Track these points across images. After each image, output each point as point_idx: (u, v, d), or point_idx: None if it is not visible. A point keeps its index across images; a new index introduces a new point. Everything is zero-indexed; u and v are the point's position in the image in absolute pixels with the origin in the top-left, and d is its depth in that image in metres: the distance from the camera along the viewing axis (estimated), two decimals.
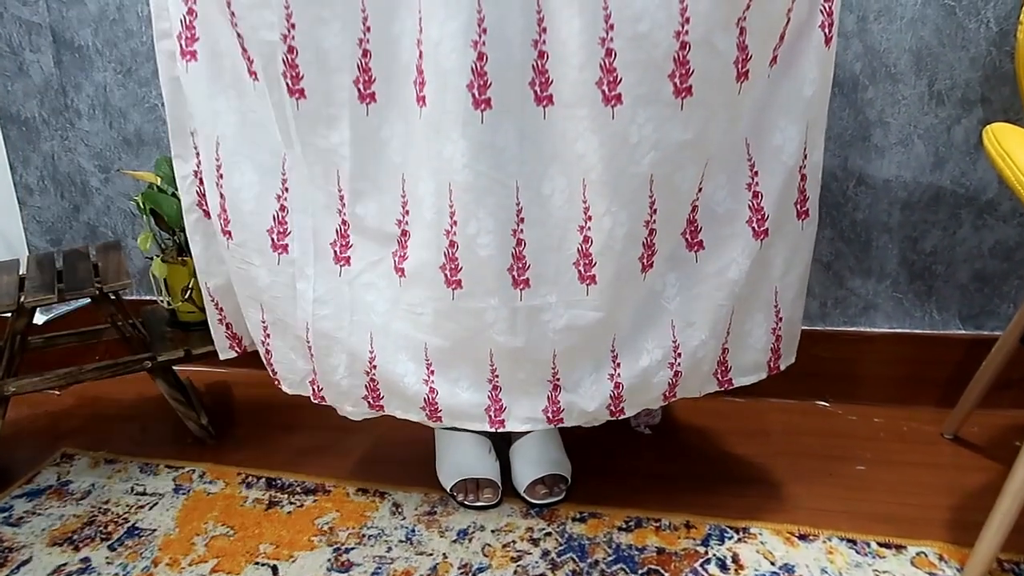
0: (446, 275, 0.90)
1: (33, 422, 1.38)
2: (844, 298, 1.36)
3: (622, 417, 1.01)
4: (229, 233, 0.99)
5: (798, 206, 0.96)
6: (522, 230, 0.88)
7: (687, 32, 0.79)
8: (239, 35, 0.89)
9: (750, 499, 1.12)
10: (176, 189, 1.26)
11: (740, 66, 0.84)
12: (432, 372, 0.98)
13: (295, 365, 1.05)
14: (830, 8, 0.88)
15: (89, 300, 1.16)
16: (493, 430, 1.01)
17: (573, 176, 0.86)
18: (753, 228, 0.93)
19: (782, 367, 1.06)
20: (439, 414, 1.00)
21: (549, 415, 0.99)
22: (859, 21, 1.22)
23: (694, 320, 0.97)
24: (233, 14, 0.87)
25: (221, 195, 0.97)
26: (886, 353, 1.36)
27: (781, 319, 1.01)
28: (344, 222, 0.95)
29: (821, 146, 0.95)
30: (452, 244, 0.89)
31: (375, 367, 0.99)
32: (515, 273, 0.89)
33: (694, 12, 0.78)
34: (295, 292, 0.99)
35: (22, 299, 1.11)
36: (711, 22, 0.79)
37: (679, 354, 0.97)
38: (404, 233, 0.93)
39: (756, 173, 0.92)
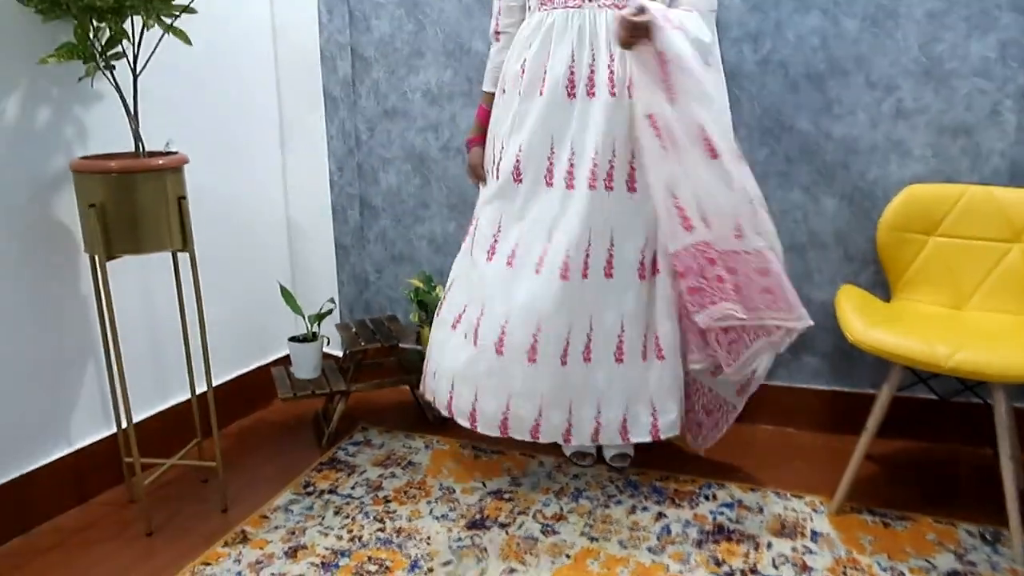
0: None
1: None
2: (799, 368, 2.32)
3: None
4: None
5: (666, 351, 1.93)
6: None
7: None
8: None
9: (729, 473, 2.09)
10: (434, 288, 2.39)
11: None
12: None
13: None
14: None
15: (393, 345, 2.30)
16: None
17: None
18: (650, 357, 1.92)
19: (662, 437, 1.95)
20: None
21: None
22: (804, 217, 2.22)
23: (611, 400, 1.92)
24: None
25: None
26: (826, 401, 2.31)
27: (656, 410, 1.94)
28: None
29: None
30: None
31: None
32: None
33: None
34: None
35: (363, 344, 2.25)
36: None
37: (600, 413, 1.93)
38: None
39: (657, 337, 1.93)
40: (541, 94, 1.85)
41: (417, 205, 2.58)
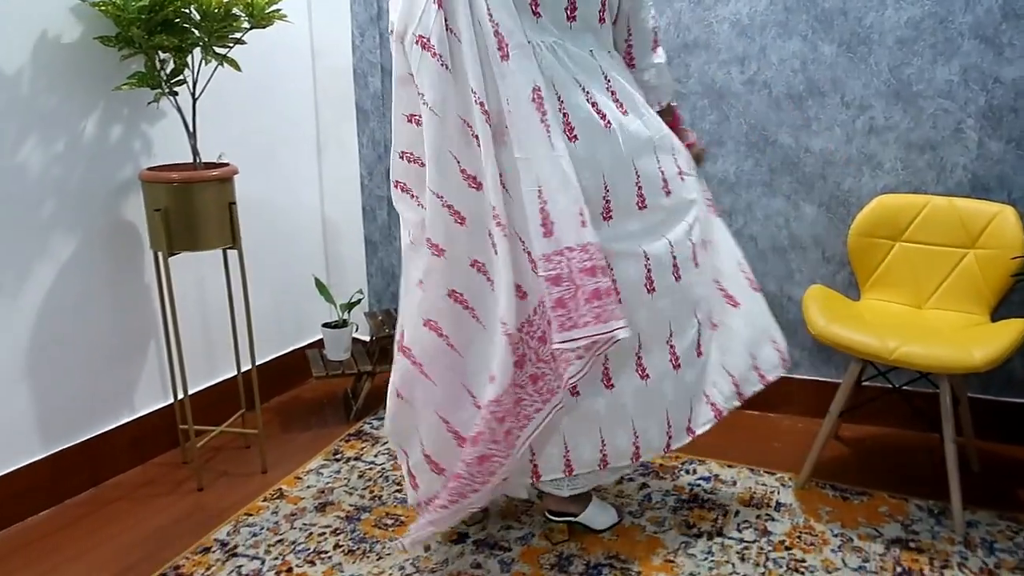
0: None
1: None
2: None
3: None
4: None
5: None
6: None
7: None
8: None
9: (711, 451, 2.33)
10: None
11: None
12: None
13: None
14: None
15: None
16: None
17: None
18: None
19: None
20: None
21: None
22: (786, 222, 2.44)
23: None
24: None
25: None
26: (808, 389, 2.53)
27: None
28: None
29: None
30: None
31: None
32: None
33: None
34: None
35: (387, 330, 2.53)
36: None
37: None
38: None
39: None
40: None
41: None
